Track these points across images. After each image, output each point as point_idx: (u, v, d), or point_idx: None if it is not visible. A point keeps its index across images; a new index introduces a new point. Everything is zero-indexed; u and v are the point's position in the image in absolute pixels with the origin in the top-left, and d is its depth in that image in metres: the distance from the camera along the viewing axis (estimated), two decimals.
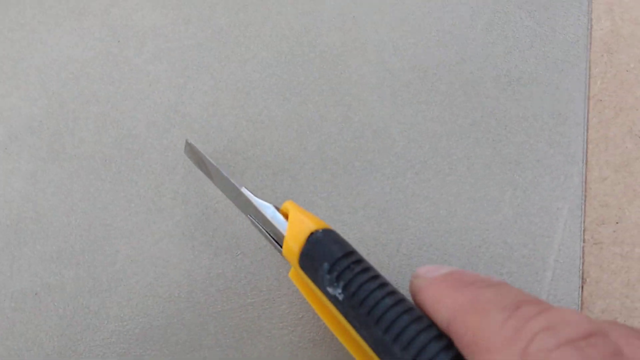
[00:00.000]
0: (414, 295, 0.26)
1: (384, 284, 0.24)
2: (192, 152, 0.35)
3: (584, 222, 0.34)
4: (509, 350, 0.18)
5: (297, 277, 0.28)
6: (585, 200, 0.34)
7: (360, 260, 0.25)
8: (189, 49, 0.39)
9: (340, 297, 0.24)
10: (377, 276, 0.24)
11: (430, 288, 0.23)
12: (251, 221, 0.31)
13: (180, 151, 0.37)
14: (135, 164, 0.37)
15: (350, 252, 0.25)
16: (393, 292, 0.23)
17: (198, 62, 0.39)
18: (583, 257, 0.33)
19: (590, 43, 0.37)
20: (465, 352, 0.20)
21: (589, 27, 0.37)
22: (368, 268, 0.24)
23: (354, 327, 0.23)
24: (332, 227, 0.28)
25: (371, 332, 0.22)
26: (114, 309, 0.36)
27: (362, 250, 0.34)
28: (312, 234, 0.26)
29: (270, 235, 0.30)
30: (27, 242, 0.37)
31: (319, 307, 0.28)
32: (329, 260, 0.25)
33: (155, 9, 0.40)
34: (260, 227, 0.31)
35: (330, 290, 0.24)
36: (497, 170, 0.35)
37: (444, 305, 0.22)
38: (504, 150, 0.36)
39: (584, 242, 0.34)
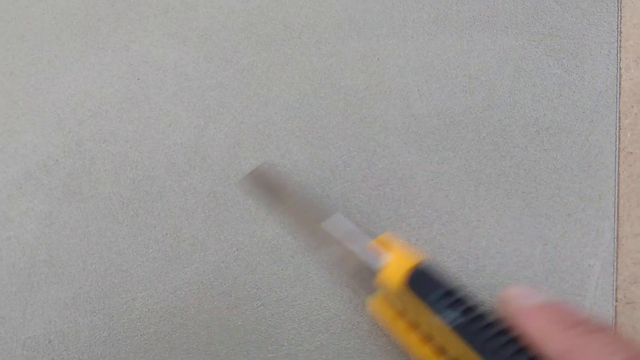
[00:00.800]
0: (509, 317, 0.26)
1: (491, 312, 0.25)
2: (259, 180, 0.35)
3: (616, 280, 0.33)
4: None
5: (382, 305, 0.30)
6: (617, 257, 0.33)
7: (464, 287, 0.27)
8: (210, 89, 0.38)
9: (460, 321, 0.25)
10: (481, 303, 0.26)
11: (530, 318, 0.24)
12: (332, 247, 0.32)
13: (201, 195, 0.36)
14: (154, 207, 0.36)
15: (456, 282, 0.27)
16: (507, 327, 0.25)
17: (219, 102, 0.38)
18: (615, 317, 0.32)
19: (620, 93, 0.36)
20: None
21: (618, 77, 0.37)
22: (472, 294, 0.27)
23: (475, 350, 0.24)
24: None
25: (485, 354, 0.24)
26: (130, 359, 0.35)
27: None
28: (421, 262, 0.28)
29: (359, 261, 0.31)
30: (41, 286, 0.36)
31: (405, 333, 0.28)
32: (445, 285, 0.26)
33: (176, 46, 0.40)
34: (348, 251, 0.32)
35: (449, 312, 0.25)
36: (527, 223, 0.34)
37: (550, 343, 0.23)
38: (534, 202, 0.35)
39: (616, 301, 0.33)
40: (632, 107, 0.36)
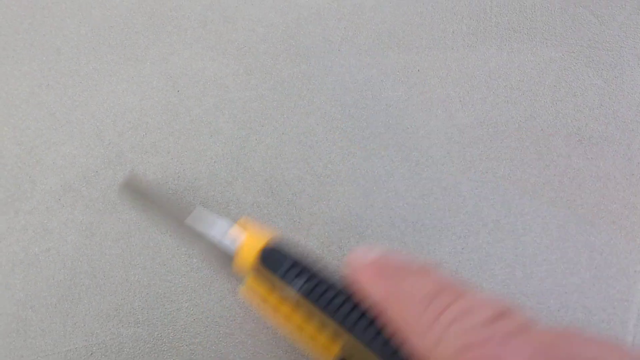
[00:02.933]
0: (350, 278, 0.27)
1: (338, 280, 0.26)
2: (132, 188, 0.36)
3: None
4: (428, 338, 0.21)
5: (251, 290, 0.30)
6: None
7: (314, 261, 0.28)
8: (251, 100, 0.39)
9: (305, 287, 0.26)
10: (331, 275, 0.27)
11: (359, 275, 0.25)
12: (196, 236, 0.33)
13: (245, 205, 0.36)
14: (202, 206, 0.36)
15: (305, 254, 0.28)
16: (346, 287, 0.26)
17: (260, 113, 0.38)
18: None
19: None
20: (397, 336, 0.23)
21: None
22: (322, 268, 0.27)
23: (322, 311, 0.26)
24: None
25: (330, 322, 0.25)
26: None
27: None
28: (270, 239, 0.29)
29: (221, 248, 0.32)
30: (82, 298, 0.35)
31: (276, 314, 0.29)
32: (291, 259, 0.28)
33: (215, 58, 0.40)
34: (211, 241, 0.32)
35: (296, 281, 0.27)
36: (573, 231, 0.35)
37: (372, 295, 0.24)
38: (579, 210, 0.35)
39: None
40: None
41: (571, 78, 0.37)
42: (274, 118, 0.38)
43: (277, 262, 0.29)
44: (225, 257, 0.32)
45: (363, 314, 0.25)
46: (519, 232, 0.34)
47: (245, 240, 0.30)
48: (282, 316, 0.29)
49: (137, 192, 0.36)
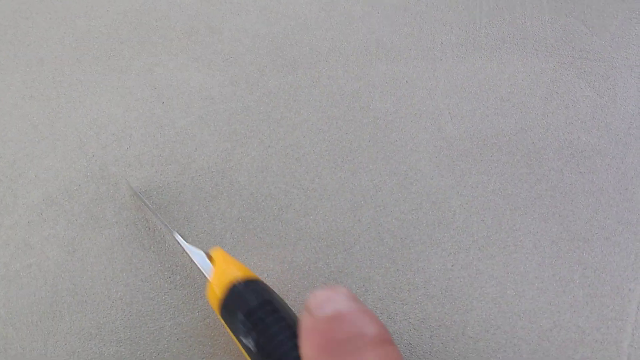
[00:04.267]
0: (300, 332, 0.25)
1: (294, 335, 0.25)
2: (132, 194, 0.36)
3: None
4: None
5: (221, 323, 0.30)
6: None
7: (275, 310, 0.26)
8: (237, 112, 0.38)
9: (252, 348, 0.25)
10: (289, 326, 0.25)
11: (304, 341, 0.23)
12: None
13: (230, 220, 0.35)
14: (181, 232, 0.35)
15: (267, 302, 0.26)
16: (290, 340, 0.24)
17: (246, 125, 0.38)
18: None
19: None
20: None
21: None
22: (281, 318, 0.25)
23: None
24: (388, 303, 0.31)
25: None
26: None
27: (425, 332, 0.32)
28: (233, 284, 0.27)
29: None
30: (64, 316, 0.35)
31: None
32: (244, 310, 0.26)
33: (200, 69, 0.39)
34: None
35: (244, 340, 0.26)
36: (565, 247, 0.34)
37: None
38: (571, 226, 0.34)
39: None
40: None
41: (562, 90, 0.36)
42: (260, 130, 0.37)
43: (234, 310, 0.27)
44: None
45: None
46: (510, 249, 0.33)
47: (211, 278, 0.29)
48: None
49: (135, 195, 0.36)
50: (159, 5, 0.40)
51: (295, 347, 0.25)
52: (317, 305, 0.25)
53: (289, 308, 0.28)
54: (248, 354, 0.26)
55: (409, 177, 0.35)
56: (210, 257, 0.31)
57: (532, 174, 0.34)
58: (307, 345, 0.24)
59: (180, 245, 0.33)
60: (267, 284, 0.32)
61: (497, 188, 0.34)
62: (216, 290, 0.28)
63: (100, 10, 0.41)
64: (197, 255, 0.32)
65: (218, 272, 0.30)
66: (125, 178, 0.36)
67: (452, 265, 0.34)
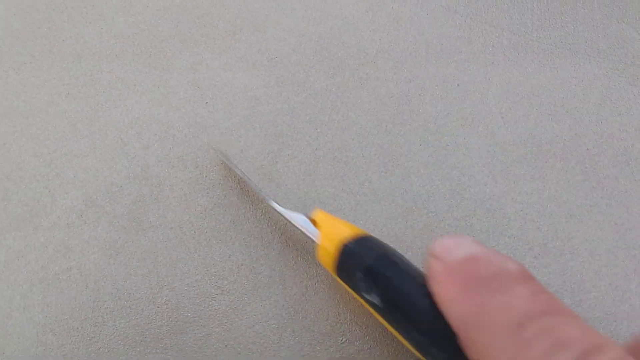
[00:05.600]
0: (428, 278, 0.24)
1: (419, 284, 0.24)
2: (221, 157, 0.35)
3: None
4: None
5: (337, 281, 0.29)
6: None
7: (394, 263, 0.26)
8: (283, 113, 0.37)
9: (378, 303, 0.25)
10: (411, 277, 0.25)
11: (440, 284, 0.23)
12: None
13: (278, 224, 0.34)
14: (228, 236, 0.34)
15: (383, 256, 0.26)
16: (420, 288, 0.24)
17: (293, 127, 0.37)
18: None
19: None
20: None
21: None
22: (401, 270, 0.25)
23: (394, 328, 0.25)
24: None
25: (410, 335, 0.24)
26: None
27: None
28: (344, 245, 0.27)
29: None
30: (106, 321, 0.33)
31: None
32: (362, 268, 0.26)
33: (245, 69, 0.38)
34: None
35: (367, 297, 0.25)
36: (622, 256, 0.33)
37: (452, 311, 0.22)
38: (627, 235, 0.34)
39: None
40: None
41: (615, 96, 0.36)
42: (307, 132, 0.36)
43: (351, 270, 0.27)
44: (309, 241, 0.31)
45: (442, 330, 0.23)
46: (567, 257, 0.33)
47: (320, 242, 0.29)
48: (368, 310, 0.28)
49: (224, 157, 0.35)
50: (200, 2, 0.39)
51: (423, 296, 0.24)
52: (444, 250, 0.24)
53: (406, 259, 0.27)
54: (375, 310, 0.26)
55: (462, 182, 0.34)
56: (312, 221, 0.31)
57: (587, 181, 0.34)
58: (447, 287, 0.23)
59: (279, 212, 0.32)
60: (317, 290, 0.32)
61: (552, 195, 0.34)
62: (329, 252, 0.28)
63: (139, 6, 0.40)
64: (299, 219, 0.31)
65: (325, 234, 0.29)
66: (211, 144, 0.36)
67: None
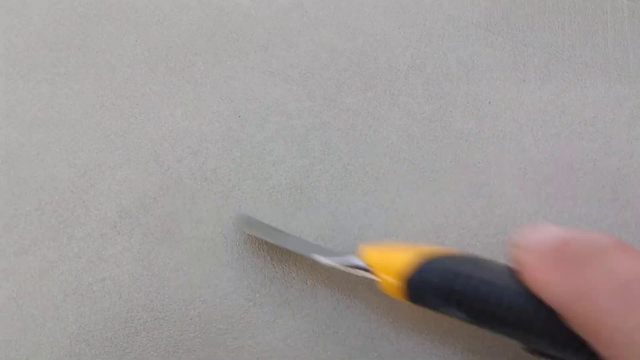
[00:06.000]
0: (516, 269, 0.24)
1: (495, 284, 0.24)
2: (248, 226, 0.35)
3: None
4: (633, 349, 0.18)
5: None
6: None
7: (468, 277, 0.25)
8: (315, 128, 0.37)
9: (467, 319, 0.25)
10: (493, 282, 0.24)
11: (536, 272, 0.23)
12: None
13: (309, 238, 0.35)
14: (260, 249, 0.35)
15: (454, 275, 0.25)
16: (506, 286, 0.24)
17: (324, 142, 0.37)
18: None
19: None
20: (585, 335, 0.21)
21: None
22: (480, 279, 0.25)
23: (489, 329, 0.25)
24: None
25: (504, 330, 0.24)
26: None
27: None
28: (409, 278, 0.27)
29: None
30: (139, 332, 0.34)
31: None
32: (437, 294, 0.26)
33: (277, 83, 0.38)
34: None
35: (458, 317, 0.26)
36: None
37: (553, 293, 0.22)
38: None
39: None
40: None
41: None
42: (338, 147, 0.37)
43: (427, 300, 0.27)
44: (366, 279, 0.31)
45: (546, 320, 0.23)
46: None
47: (381, 278, 0.29)
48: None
49: (251, 228, 0.35)
50: (234, 17, 0.39)
51: (516, 296, 0.24)
52: (532, 241, 0.24)
53: (476, 258, 0.27)
54: (463, 320, 0.26)
55: (493, 199, 0.35)
56: (361, 256, 0.31)
57: (617, 200, 0.34)
58: (544, 274, 0.23)
59: (326, 264, 0.32)
60: (348, 305, 0.32)
61: (582, 214, 0.34)
62: (393, 286, 0.28)
63: (173, 19, 0.40)
64: (349, 262, 0.31)
65: (383, 269, 0.29)
66: (233, 218, 0.36)
67: None
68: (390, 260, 0.29)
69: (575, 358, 0.23)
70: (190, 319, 0.34)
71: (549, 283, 0.23)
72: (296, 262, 0.35)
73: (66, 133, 0.38)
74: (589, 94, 0.37)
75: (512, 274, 0.25)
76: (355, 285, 0.33)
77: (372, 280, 0.29)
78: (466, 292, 0.25)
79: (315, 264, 0.34)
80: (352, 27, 0.40)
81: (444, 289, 0.26)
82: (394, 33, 0.40)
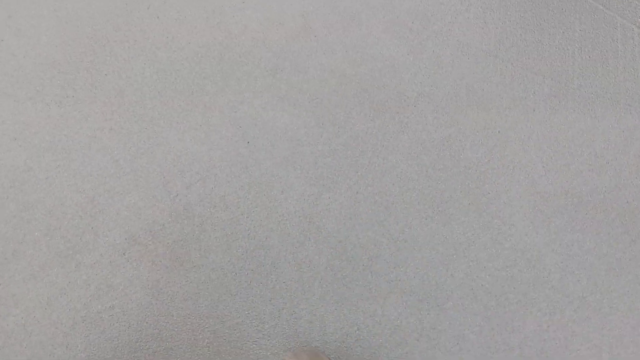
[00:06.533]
0: None
1: None
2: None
3: None
4: None
5: None
6: None
7: None
8: (324, 155, 0.37)
9: None
10: None
11: None
12: None
13: (318, 268, 0.35)
14: (268, 279, 0.35)
15: None
16: None
17: (333, 169, 0.37)
18: None
19: None
20: None
21: None
22: None
23: None
24: None
25: None
26: None
27: None
28: None
29: None
30: None
31: None
32: None
33: (286, 109, 0.38)
34: None
35: None
36: None
37: None
38: None
39: None
40: None
41: None
42: (347, 175, 0.37)
43: None
44: None
45: None
46: (606, 311, 0.33)
47: None
48: None
49: None
50: (242, 41, 0.39)
51: None
52: None
53: None
54: None
55: (503, 231, 0.35)
56: None
57: (626, 233, 0.34)
58: None
59: None
60: (357, 338, 0.32)
61: (592, 247, 0.34)
62: None
63: (181, 42, 0.40)
64: None
65: None
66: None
67: (548, 327, 0.33)
68: None
69: None
70: (200, 349, 0.34)
71: None
72: (304, 292, 0.35)
73: (75, 157, 0.38)
74: (599, 125, 0.37)
75: None
76: (363, 318, 0.33)
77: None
78: None
79: (324, 295, 0.34)
80: (361, 53, 0.39)
81: None
82: (403, 59, 0.39)
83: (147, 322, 0.35)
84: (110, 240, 0.37)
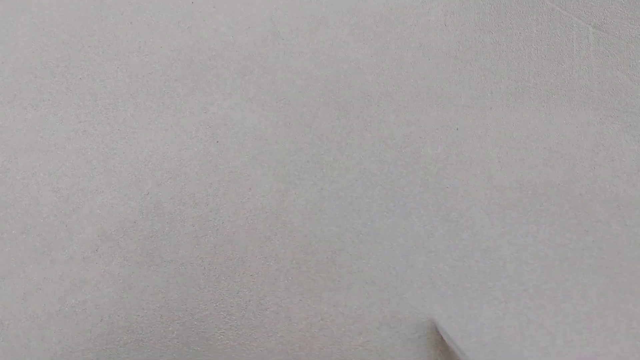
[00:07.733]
0: None
1: None
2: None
3: None
4: None
5: None
6: None
7: None
8: (290, 153, 0.39)
9: None
10: None
11: None
12: None
13: (284, 262, 0.36)
14: (236, 272, 0.36)
15: None
16: None
17: (299, 167, 0.38)
18: None
19: None
20: None
21: None
22: None
23: None
24: (442, 350, 0.30)
25: None
26: None
27: None
28: None
29: None
30: (120, 353, 0.35)
31: None
32: None
33: (254, 109, 0.40)
34: None
35: None
36: (612, 299, 0.35)
37: None
38: (618, 278, 0.35)
39: None
40: None
41: (609, 142, 0.38)
42: (313, 172, 0.38)
43: None
44: None
45: None
46: (560, 299, 0.34)
47: None
48: None
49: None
50: (212, 44, 0.41)
51: None
52: None
53: None
54: None
55: (460, 224, 0.36)
56: None
57: (579, 225, 0.36)
58: None
59: None
60: (321, 327, 0.33)
61: (546, 238, 0.36)
62: None
63: (153, 46, 0.41)
64: None
65: None
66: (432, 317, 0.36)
67: (504, 314, 0.35)
68: None
69: None
70: (169, 340, 0.36)
71: None
72: (271, 285, 0.36)
73: (50, 158, 0.40)
74: (553, 121, 0.39)
75: None
76: (327, 308, 0.34)
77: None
78: None
79: (290, 286, 0.35)
80: (327, 55, 0.41)
81: None
82: (367, 60, 0.41)
83: (118, 315, 0.36)
84: (83, 237, 0.38)
